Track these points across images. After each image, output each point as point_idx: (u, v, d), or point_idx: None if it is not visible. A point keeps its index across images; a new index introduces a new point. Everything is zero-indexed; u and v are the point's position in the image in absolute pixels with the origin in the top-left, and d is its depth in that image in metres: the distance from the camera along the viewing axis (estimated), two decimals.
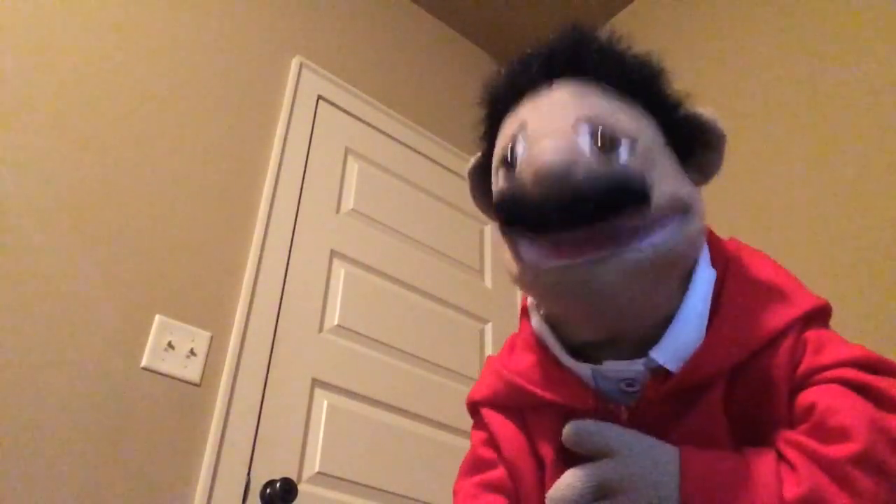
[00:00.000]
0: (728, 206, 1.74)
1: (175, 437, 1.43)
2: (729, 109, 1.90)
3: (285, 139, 1.90)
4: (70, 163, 1.53)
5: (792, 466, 0.51)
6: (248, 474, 1.48)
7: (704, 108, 0.63)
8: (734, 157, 1.96)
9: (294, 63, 2.04)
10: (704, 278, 0.64)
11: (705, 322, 0.61)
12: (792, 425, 0.57)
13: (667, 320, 0.62)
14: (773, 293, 0.63)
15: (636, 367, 0.62)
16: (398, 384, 1.81)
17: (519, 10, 2.55)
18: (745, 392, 0.60)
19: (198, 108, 1.79)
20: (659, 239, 0.57)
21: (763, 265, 0.67)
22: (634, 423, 0.61)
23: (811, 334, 0.61)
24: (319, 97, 2.06)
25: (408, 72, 2.39)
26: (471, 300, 2.11)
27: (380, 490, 1.65)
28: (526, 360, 0.69)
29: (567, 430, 0.54)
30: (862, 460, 0.50)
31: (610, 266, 0.56)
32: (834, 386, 0.56)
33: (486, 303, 2.15)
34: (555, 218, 0.56)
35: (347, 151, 2.06)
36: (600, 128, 0.57)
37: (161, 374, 1.46)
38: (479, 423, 0.73)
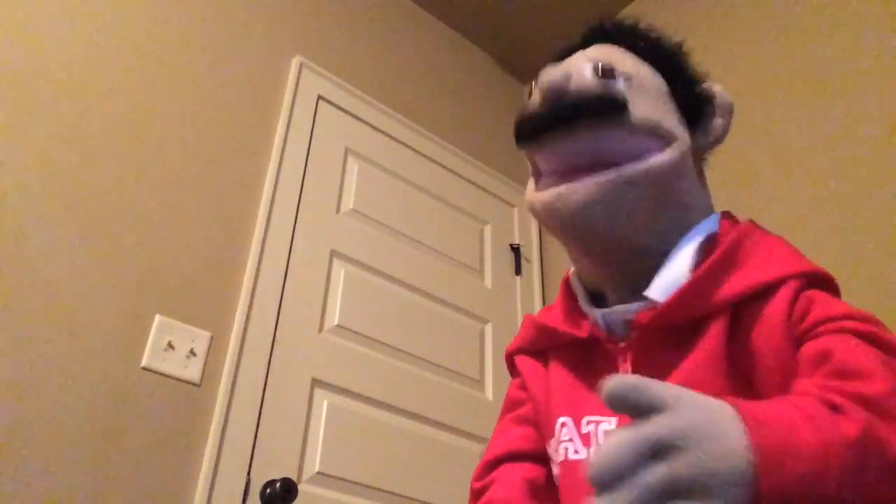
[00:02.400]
0: (730, 201, 1.73)
1: (175, 437, 1.43)
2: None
3: (285, 139, 1.90)
4: (70, 163, 1.53)
5: (835, 406, 0.49)
6: (248, 474, 1.48)
7: (715, 84, 0.76)
8: (737, 152, 1.95)
9: (294, 63, 2.04)
10: (704, 228, 0.70)
11: (692, 261, 0.67)
12: (795, 375, 0.58)
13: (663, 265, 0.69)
14: (772, 254, 0.67)
15: (635, 307, 0.68)
16: (398, 384, 1.81)
17: (519, 11, 2.55)
18: (746, 341, 0.63)
19: (198, 108, 1.79)
20: (628, 168, 0.66)
21: (773, 239, 0.70)
22: (633, 358, 0.68)
23: (818, 293, 0.63)
24: (319, 97, 2.06)
25: (408, 72, 2.39)
26: (471, 300, 2.12)
27: (380, 490, 1.65)
28: (555, 308, 0.80)
29: (606, 385, 0.45)
30: (893, 395, 0.51)
31: (581, 185, 0.67)
32: (845, 335, 0.58)
33: (486, 303, 2.15)
34: (547, 122, 0.68)
35: (347, 151, 2.06)
36: (600, 62, 0.71)
37: (161, 374, 1.46)
38: (514, 371, 0.84)
